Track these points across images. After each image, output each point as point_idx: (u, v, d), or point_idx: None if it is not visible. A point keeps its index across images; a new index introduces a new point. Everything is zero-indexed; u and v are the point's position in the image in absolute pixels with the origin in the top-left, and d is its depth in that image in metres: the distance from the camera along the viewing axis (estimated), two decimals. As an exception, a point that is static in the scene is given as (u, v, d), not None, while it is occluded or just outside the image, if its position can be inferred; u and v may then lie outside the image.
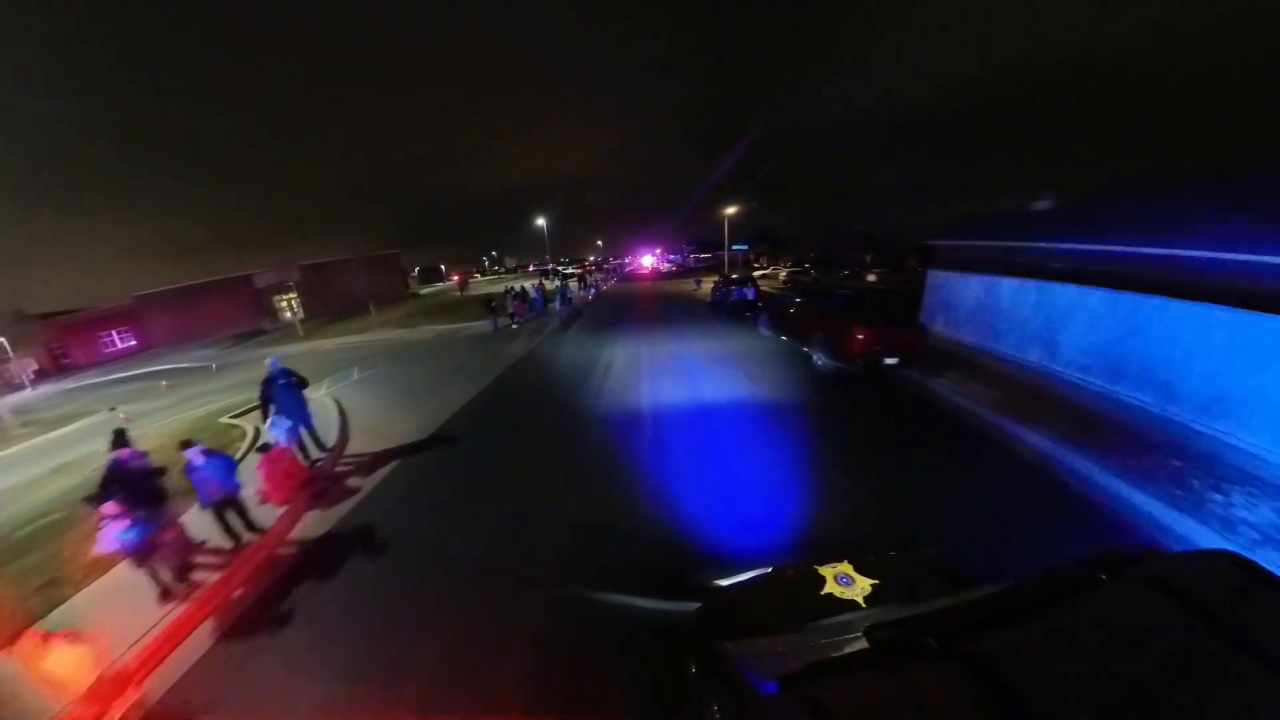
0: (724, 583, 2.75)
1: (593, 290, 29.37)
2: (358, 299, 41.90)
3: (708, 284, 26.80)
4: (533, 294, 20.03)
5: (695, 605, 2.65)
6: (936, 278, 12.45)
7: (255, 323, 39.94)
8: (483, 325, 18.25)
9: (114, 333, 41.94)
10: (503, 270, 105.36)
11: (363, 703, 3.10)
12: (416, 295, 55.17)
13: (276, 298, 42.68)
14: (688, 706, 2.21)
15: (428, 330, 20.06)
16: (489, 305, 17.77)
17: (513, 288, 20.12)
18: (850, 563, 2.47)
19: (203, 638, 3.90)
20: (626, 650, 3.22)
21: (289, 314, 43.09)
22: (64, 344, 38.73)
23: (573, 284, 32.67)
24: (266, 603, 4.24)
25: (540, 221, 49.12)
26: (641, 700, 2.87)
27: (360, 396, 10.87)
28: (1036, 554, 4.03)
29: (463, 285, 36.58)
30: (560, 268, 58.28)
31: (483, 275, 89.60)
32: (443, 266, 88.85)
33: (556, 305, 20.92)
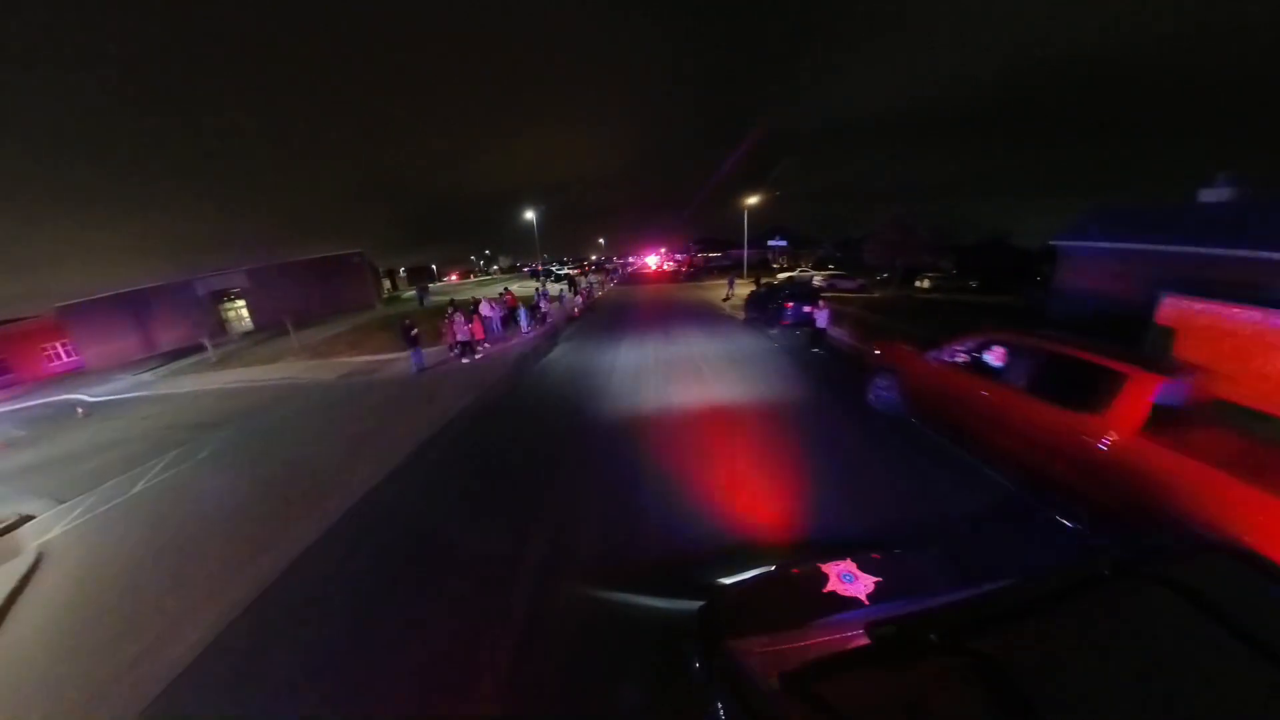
0: (728, 581, 2.69)
1: (581, 298, 23.10)
2: (315, 306, 36.28)
3: (743, 289, 21.01)
4: (488, 311, 13.92)
5: (699, 603, 2.54)
6: None
7: (198, 336, 34.29)
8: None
9: (59, 346, 36.48)
10: (498, 270, 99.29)
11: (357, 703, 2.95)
12: (397, 299, 49.59)
13: (223, 306, 36.99)
14: (692, 704, 2.17)
15: (340, 365, 14.11)
16: (407, 333, 11.65)
17: (455, 301, 14.06)
18: (854, 560, 2.41)
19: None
20: (631, 648, 3.11)
21: (244, 323, 37.59)
22: (5, 357, 33.32)
23: (557, 288, 26.57)
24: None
25: (529, 216, 43.23)
26: (645, 698, 2.78)
27: (73, 561, 5.22)
28: None
29: (422, 292, 29.15)
30: (555, 268, 51.75)
31: (475, 276, 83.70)
32: (434, 266, 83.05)
33: (522, 324, 14.80)
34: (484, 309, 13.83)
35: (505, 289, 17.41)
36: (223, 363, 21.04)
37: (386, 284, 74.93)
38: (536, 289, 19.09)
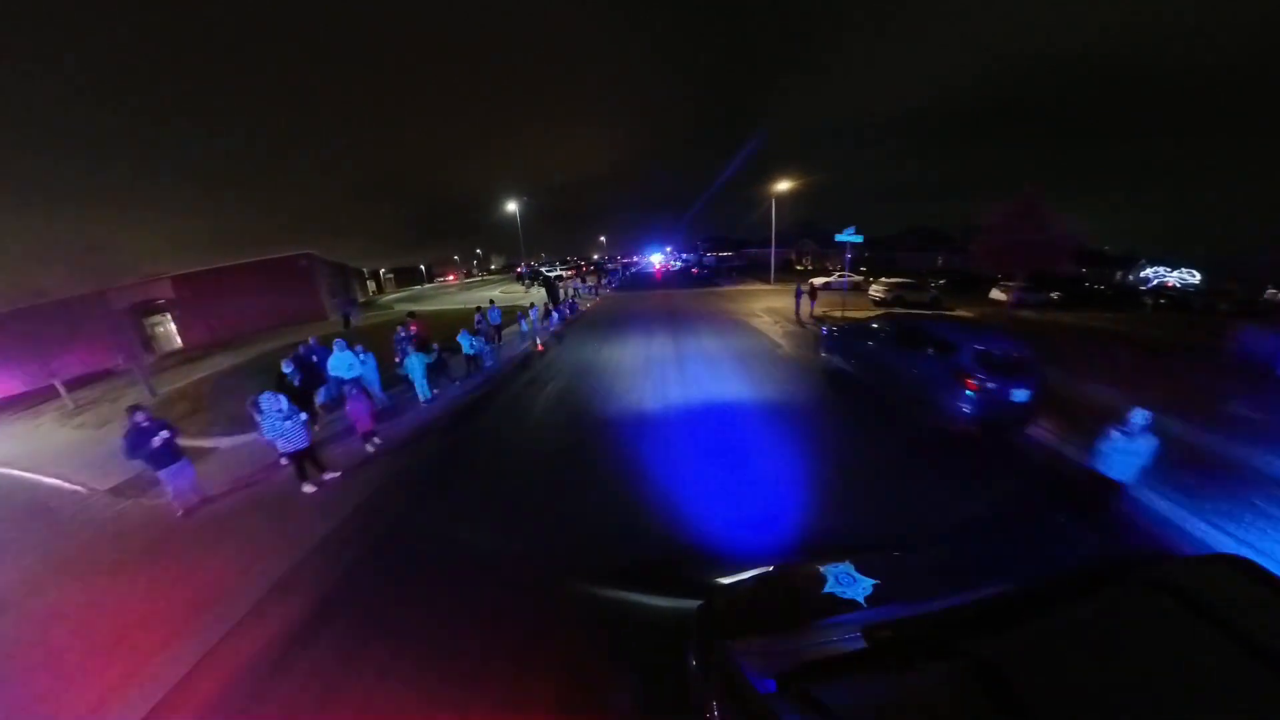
0: (726, 581, 2.67)
1: (555, 316, 16.71)
2: (254, 320, 30.48)
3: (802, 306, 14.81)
4: (355, 368, 7.64)
5: (697, 603, 2.50)
6: None
7: (108, 360, 28.45)
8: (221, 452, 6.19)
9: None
10: (494, 269, 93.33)
11: (354, 701, 2.94)
12: (370, 305, 43.84)
13: (148, 320, 31.24)
14: (688, 703, 2.15)
15: (77, 460, 7.96)
16: (140, 441, 5.38)
17: (302, 349, 7.85)
18: (852, 562, 2.33)
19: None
20: (628, 647, 3.11)
21: (172, 341, 31.87)
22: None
23: (531, 297, 18.99)
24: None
25: (511, 207, 37.04)
26: (642, 697, 2.77)
27: None
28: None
29: (348, 308, 21.89)
30: (544, 269, 45.29)
31: (460, 278, 77.65)
32: (423, 267, 77.22)
33: (418, 389, 8.55)
34: (353, 366, 7.52)
35: (410, 314, 11.05)
36: (71, 415, 15.03)
37: (371, 286, 69.45)
38: (479, 309, 12.77)
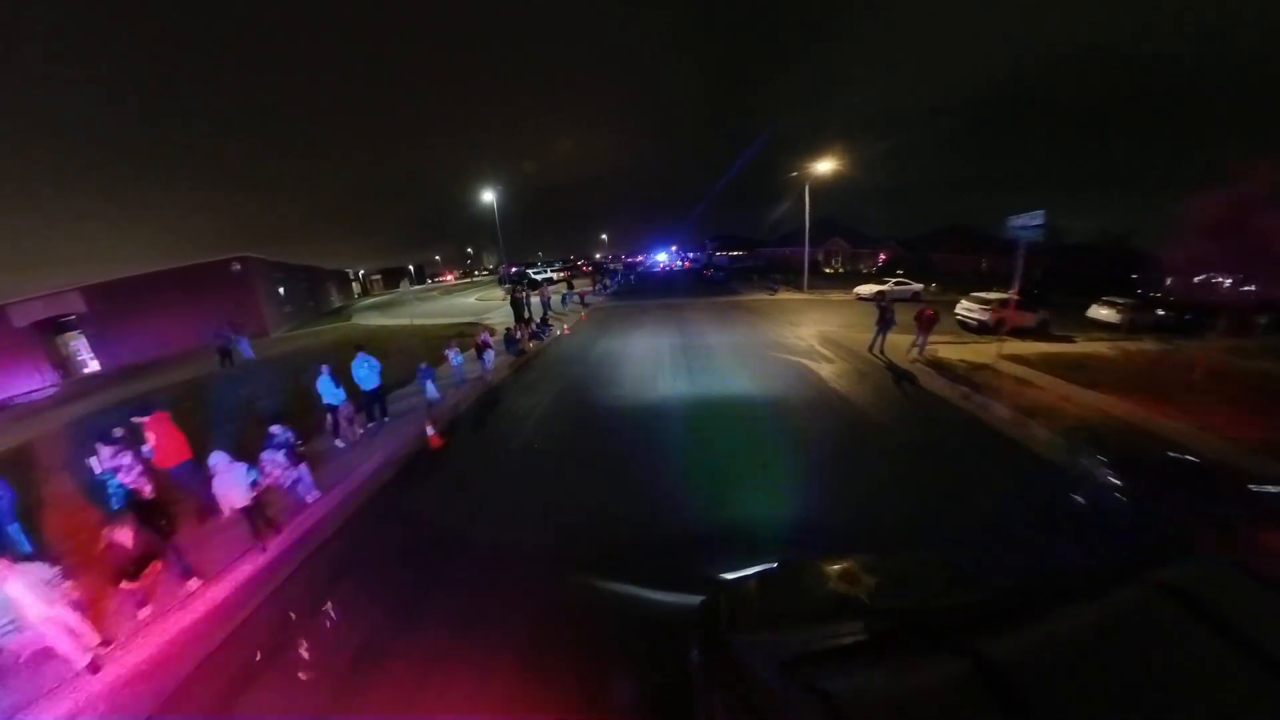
0: (730, 577, 2.67)
1: (488, 360, 11.04)
2: (181, 336, 25.39)
3: (942, 346, 8.08)
4: None
5: (701, 599, 2.48)
6: None
7: (9, 385, 23.65)
8: None
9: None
10: (490, 269, 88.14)
11: (354, 696, 2.93)
12: (345, 310, 39.03)
13: (59, 339, 26.38)
14: (692, 696, 2.13)
15: None
16: None
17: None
18: (855, 560, 2.34)
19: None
20: (634, 641, 3.14)
21: (87, 364, 27.01)
22: None
23: (502, 304, 12.87)
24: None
25: (488, 198, 31.49)
26: (647, 689, 2.80)
27: None
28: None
29: (222, 337, 13.84)
30: (535, 272, 39.65)
31: (453, 277, 72.52)
32: (411, 267, 72.22)
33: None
34: None
35: (144, 407, 5.43)
36: None
37: (357, 289, 64.86)
38: (329, 368, 7.27)
